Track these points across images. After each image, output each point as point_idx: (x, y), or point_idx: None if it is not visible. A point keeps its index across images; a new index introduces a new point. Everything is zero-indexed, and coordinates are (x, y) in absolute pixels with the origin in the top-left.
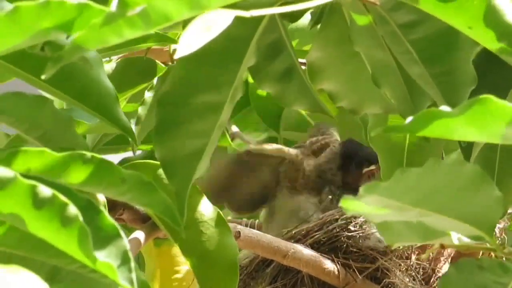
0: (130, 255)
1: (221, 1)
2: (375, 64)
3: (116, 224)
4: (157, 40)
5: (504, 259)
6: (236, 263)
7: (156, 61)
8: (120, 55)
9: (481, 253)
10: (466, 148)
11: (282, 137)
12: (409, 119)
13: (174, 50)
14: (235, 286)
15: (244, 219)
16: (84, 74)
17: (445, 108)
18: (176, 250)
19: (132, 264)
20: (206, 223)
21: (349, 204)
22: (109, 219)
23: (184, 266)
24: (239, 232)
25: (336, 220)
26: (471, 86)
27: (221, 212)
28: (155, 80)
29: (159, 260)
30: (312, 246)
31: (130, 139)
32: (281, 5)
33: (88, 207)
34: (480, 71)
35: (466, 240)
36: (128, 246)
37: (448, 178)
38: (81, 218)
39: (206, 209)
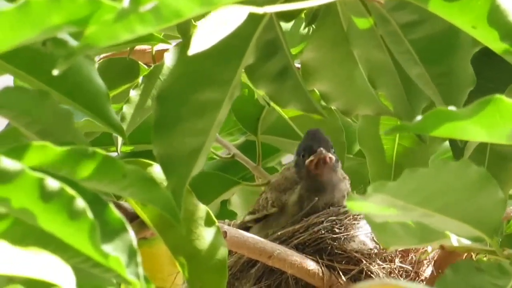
0: (137, 249)
1: None
2: (372, 65)
3: (123, 218)
4: (142, 40)
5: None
6: (225, 262)
7: (139, 62)
8: (102, 55)
9: (465, 255)
10: (457, 149)
11: (261, 141)
12: (418, 118)
13: (158, 52)
14: (223, 286)
15: (227, 220)
16: (76, 72)
17: (453, 108)
18: (158, 251)
19: (139, 258)
20: (196, 222)
21: (355, 204)
22: (115, 212)
23: (166, 267)
24: (225, 232)
25: (322, 222)
26: (470, 87)
27: (210, 212)
28: (140, 79)
29: (141, 260)
30: (297, 248)
31: (120, 137)
32: (284, 2)
33: (95, 201)
34: (475, 72)
35: (465, 241)
36: (134, 241)
37: (453, 179)
38: (89, 212)
39: (195, 208)
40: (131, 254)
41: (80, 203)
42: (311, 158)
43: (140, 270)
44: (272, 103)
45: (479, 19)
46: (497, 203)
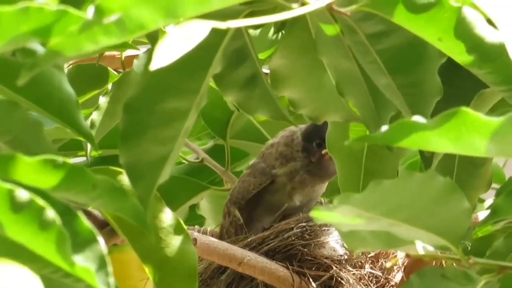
0: (107, 259)
1: (196, 11)
2: (340, 73)
3: (93, 228)
4: (111, 45)
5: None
6: (196, 270)
7: (108, 68)
8: (72, 61)
9: (434, 262)
10: (426, 157)
11: (229, 145)
12: (384, 128)
13: (127, 57)
14: None
15: (197, 226)
16: (47, 80)
17: (420, 118)
18: (128, 257)
19: (109, 268)
20: (165, 230)
21: (321, 214)
22: (86, 223)
23: (135, 273)
24: (195, 239)
25: (292, 228)
26: (437, 97)
27: (180, 219)
28: (109, 86)
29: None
30: (267, 254)
31: (89, 144)
32: (249, 13)
33: (65, 211)
34: (444, 80)
35: (431, 249)
36: (105, 251)
37: (420, 190)
38: (59, 222)
39: (165, 215)
40: (102, 264)
41: (50, 213)
42: None
43: (111, 280)
44: None
45: (445, 32)
46: (463, 213)
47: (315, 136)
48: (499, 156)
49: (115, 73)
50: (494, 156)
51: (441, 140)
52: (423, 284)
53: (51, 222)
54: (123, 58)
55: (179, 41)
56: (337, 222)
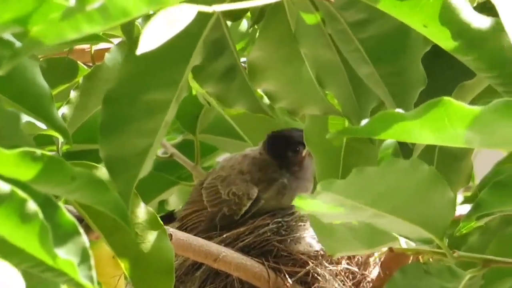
0: (90, 252)
1: None
2: (320, 64)
3: (75, 220)
4: (86, 38)
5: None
6: (172, 266)
7: (78, 62)
8: (41, 56)
9: (411, 257)
10: (406, 149)
11: (199, 140)
12: (365, 121)
13: (96, 51)
14: None
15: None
16: (21, 74)
17: (400, 110)
18: (100, 253)
19: (92, 261)
20: (141, 225)
21: (303, 203)
22: (67, 215)
23: (107, 269)
24: (170, 235)
25: (267, 224)
26: (421, 87)
27: (156, 214)
28: (80, 80)
29: None
30: (242, 250)
31: (61, 139)
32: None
33: (46, 204)
34: (426, 70)
35: (413, 245)
36: (87, 243)
37: (403, 179)
38: (41, 215)
39: (141, 210)
40: (84, 257)
41: (32, 206)
42: (307, 149)
43: (94, 274)
44: (213, 102)
45: (430, 18)
46: (447, 203)
47: (284, 148)
48: (481, 147)
49: (85, 67)
50: (476, 147)
51: (423, 131)
52: (406, 281)
53: (33, 214)
54: (92, 52)
55: (165, 25)
56: (319, 211)
